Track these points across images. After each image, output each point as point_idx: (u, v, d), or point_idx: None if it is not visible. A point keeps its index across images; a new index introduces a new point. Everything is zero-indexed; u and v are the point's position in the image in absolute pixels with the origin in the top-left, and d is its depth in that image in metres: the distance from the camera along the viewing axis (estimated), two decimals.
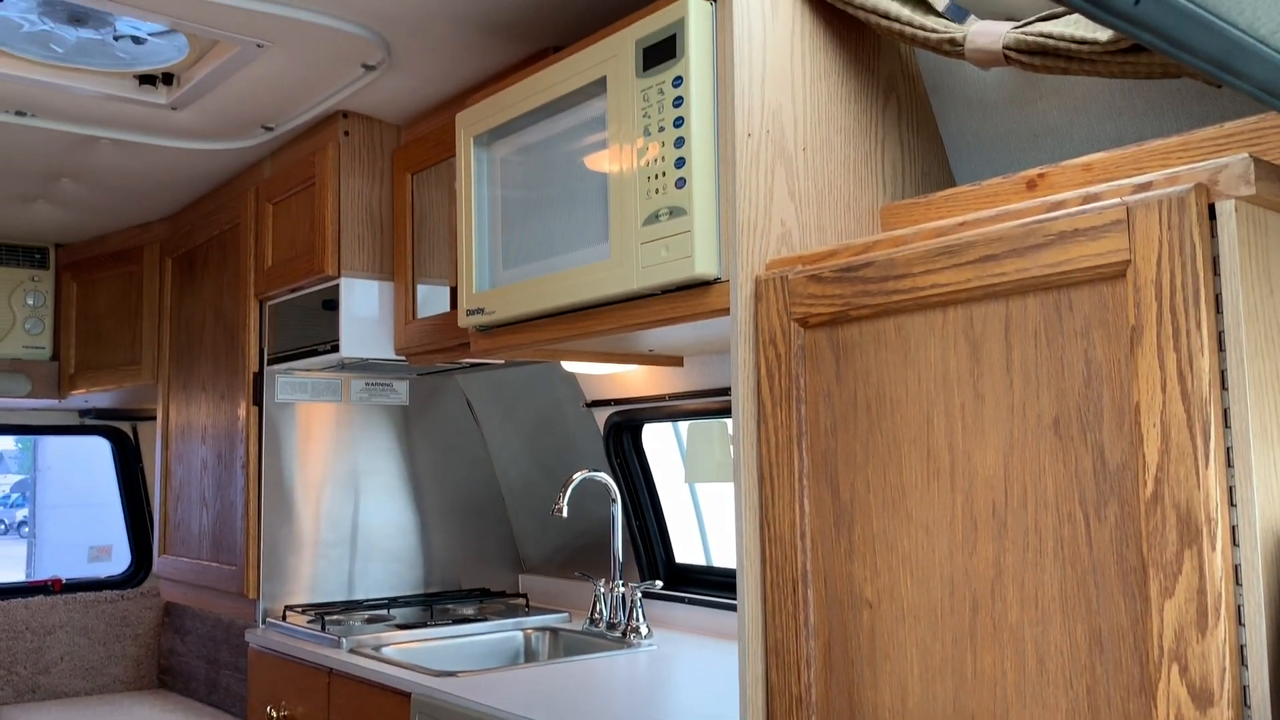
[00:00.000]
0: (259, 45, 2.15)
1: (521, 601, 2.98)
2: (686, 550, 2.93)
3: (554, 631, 2.69)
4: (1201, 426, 0.97)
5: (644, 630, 2.48)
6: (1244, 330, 0.97)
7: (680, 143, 1.51)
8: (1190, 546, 0.97)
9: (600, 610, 2.61)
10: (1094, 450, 1.07)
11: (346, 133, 2.58)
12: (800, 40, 1.55)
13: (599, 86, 1.69)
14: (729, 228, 1.47)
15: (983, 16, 1.50)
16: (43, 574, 4.33)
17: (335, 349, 2.54)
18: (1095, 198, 1.09)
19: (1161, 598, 0.99)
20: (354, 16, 2.05)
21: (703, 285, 1.54)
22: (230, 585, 2.90)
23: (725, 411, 2.44)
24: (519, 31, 2.12)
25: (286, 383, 2.86)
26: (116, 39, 2.27)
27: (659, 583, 2.54)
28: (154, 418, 4.03)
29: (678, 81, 1.52)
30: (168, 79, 2.44)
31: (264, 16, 2.01)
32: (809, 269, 1.36)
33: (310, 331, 2.66)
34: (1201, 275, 0.99)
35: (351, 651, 2.41)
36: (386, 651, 2.42)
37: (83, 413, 4.25)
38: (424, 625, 2.62)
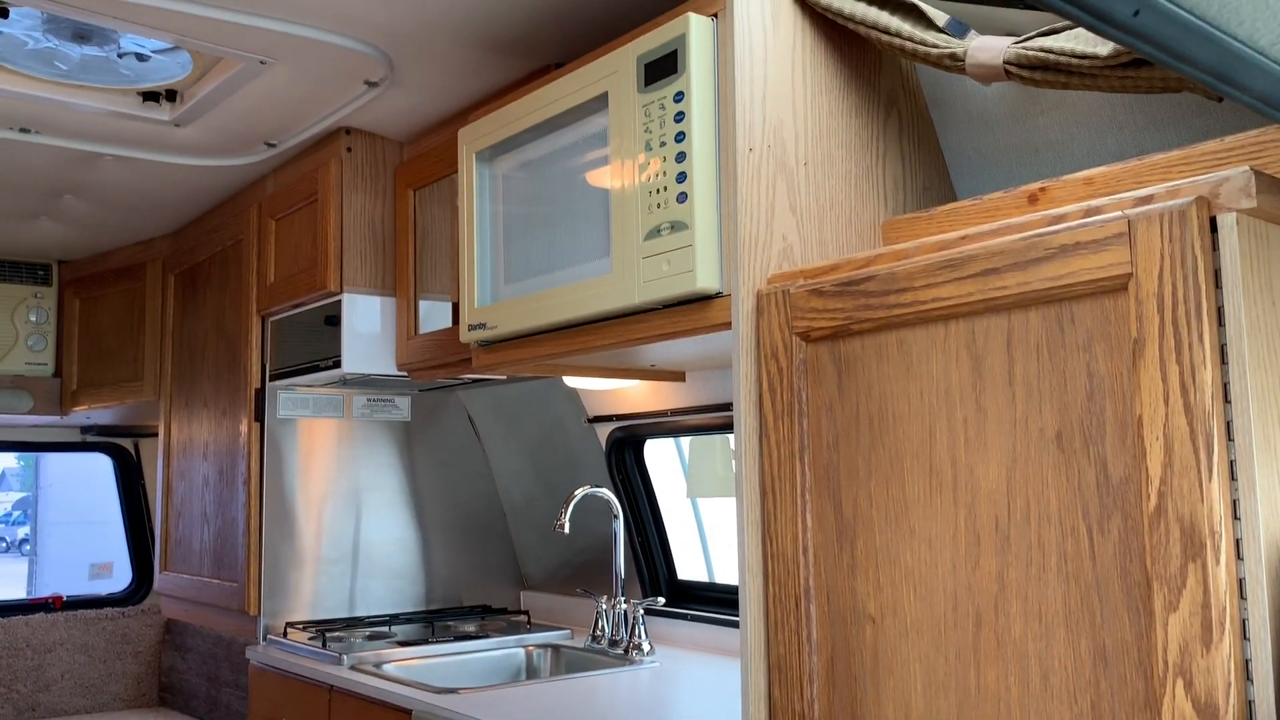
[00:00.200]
0: (262, 62, 2.16)
1: (523, 618, 2.97)
2: (689, 566, 2.92)
3: (556, 648, 2.68)
4: (1204, 439, 0.97)
5: (646, 647, 2.47)
6: (1246, 342, 0.97)
7: (681, 157, 1.52)
8: (1194, 560, 0.97)
9: (602, 627, 2.60)
10: (1097, 464, 1.06)
11: (349, 149, 2.59)
12: (801, 55, 1.55)
13: (600, 102, 1.69)
14: (730, 242, 1.47)
15: (983, 32, 1.50)
16: (44, 591, 4.33)
17: (337, 365, 2.54)
18: (1096, 211, 1.09)
19: (1165, 612, 0.98)
20: (357, 33, 2.06)
21: (704, 299, 1.54)
22: (231, 602, 2.89)
23: (727, 427, 2.44)
24: (521, 49, 2.13)
25: (288, 399, 2.86)
26: (120, 56, 2.29)
27: (661, 599, 2.53)
28: (156, 434, 4.03)
29: (679, 97, 1.52)
30: (171, 96, 2.45)
31: (267, 33, 2.02)
32: (810, 283, 1.36)
33: (312, 347, 2.66)
34: (1203, 288, 0.98)
35: (353, 668, 2.40)
36: (387, 668, 2.41)
37: (84, 429, 4.25)
38: (425, 642, 2.61)
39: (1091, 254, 1.06)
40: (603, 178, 1.70)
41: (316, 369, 2.63)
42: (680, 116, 1.52)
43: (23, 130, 2.57)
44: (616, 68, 1.64)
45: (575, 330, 1.78)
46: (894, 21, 1.51)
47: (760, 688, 1.38)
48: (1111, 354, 1.06)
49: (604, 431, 2.73)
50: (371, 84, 2.29)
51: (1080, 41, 1.36)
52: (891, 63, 1.69)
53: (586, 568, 2.95)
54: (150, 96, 2.44)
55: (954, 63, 1.47)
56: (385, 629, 2.76)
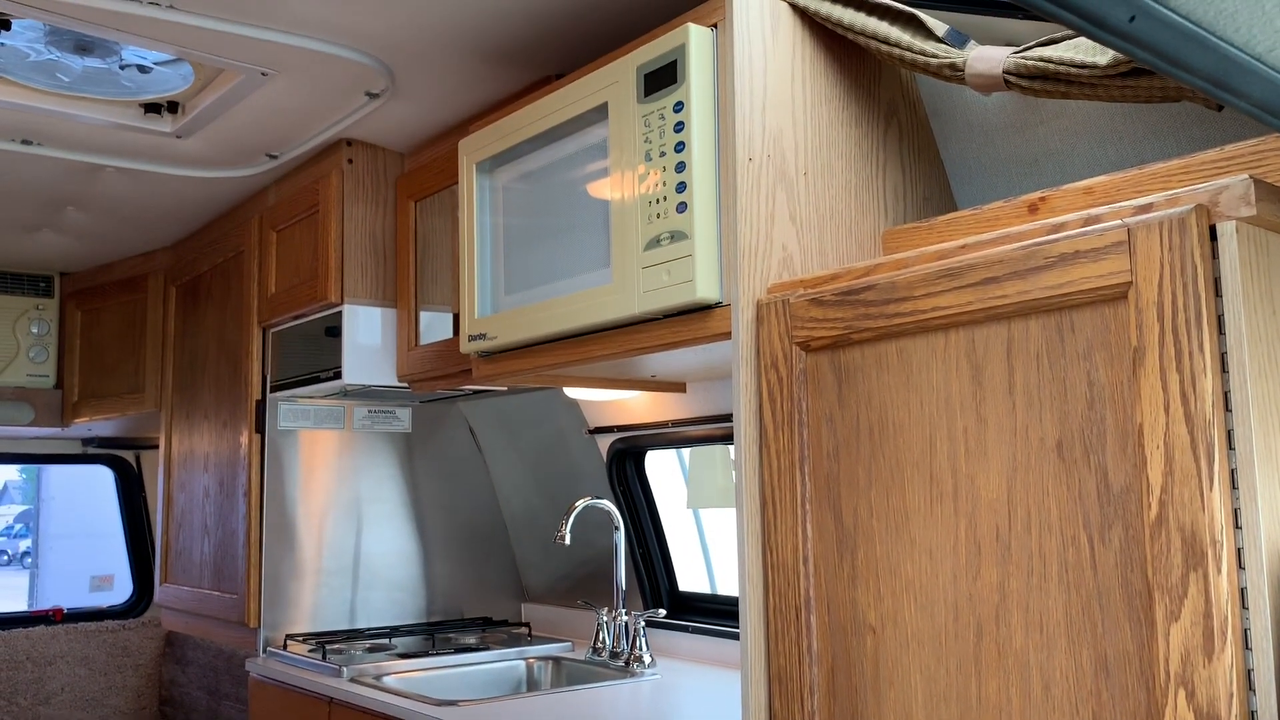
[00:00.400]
0: (263, 73, 2.16)
1: (524, 630, 2.96)
2: (692, 577, 2.91)
3: (556, 661, 2.67)
4: (1205, 448, 0.96)
5: (647, 659, 2.46)
6: (1247, 351, 0.97)
7: (681, 167, 1.52)
8: (1195, 569, 0.96)
9: (603, 639, 2.59)
10: (1097, 473, 1.06)
11: (350, 160, 2.59)
12: (801, 66, 1.56)
13: (600, 112, 1.70)
14: (730, 252, 1.47)
15: (983, 42, 1.50)
16: (45, 604, 4.32)
17: (338, 376, 2.54)
18: (1096, 220, 1.09)
19: (1167, 622, 0.98)
20: (358, 45, 2.07)
21: (704, 309, 1.54)
22: (231, 614, 2.88)
23: (728, 438, 2.43)
24: (521, 60, 2.13)
25: (289, 410, 2.86)
26: (123, 68, 2.29)
27: (662, 611, 2.52)
28: (157, 446, 4.03)
29: (679, 107, 1.53)
30: (173, 107, 2.46)
31: (268, 45, 2.03)
32: (810, 293, 1.36)
33: (313, 359, 2.66)
34: (1203, 296, 0.98)
35: (352, 681, 2.39)
36: (387, 681, 2.40)
37: (85, 441, 4.25)
38: (426, 654, 2.60)
39: (1091, 262, 1.06)
40: (603, 188, 1.70)
41: (317, 380, 2.63)
42: (680, 126, 1.52)
43: (25, 142, 2.58)
44: (616, 78, 1.65)
45: (575, 340, 1.78)
46: (893, 31, 1.51)
47: (761, 699, 1.38)
48: (1112, 363, 1.05)
49: (605, 443, 2.73)
50: (372, 95, 2.29)
51: (1079, 51, 1.36)
52: (891, 73, 1.69)
53: (588, 580, 2.94)
54: (152, 108, 2.45)
55: (953, 73, 1.47)
56: (386, 641, 2.75)
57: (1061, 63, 1.36)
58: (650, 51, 1.59)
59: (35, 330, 3.78)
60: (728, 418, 2.32)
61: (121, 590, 4.49)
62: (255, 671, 2.75)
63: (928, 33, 1.50)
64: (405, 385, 2.59)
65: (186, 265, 3.37)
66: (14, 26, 2.06)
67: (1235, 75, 0.67)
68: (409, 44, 2.06)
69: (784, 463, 1.37)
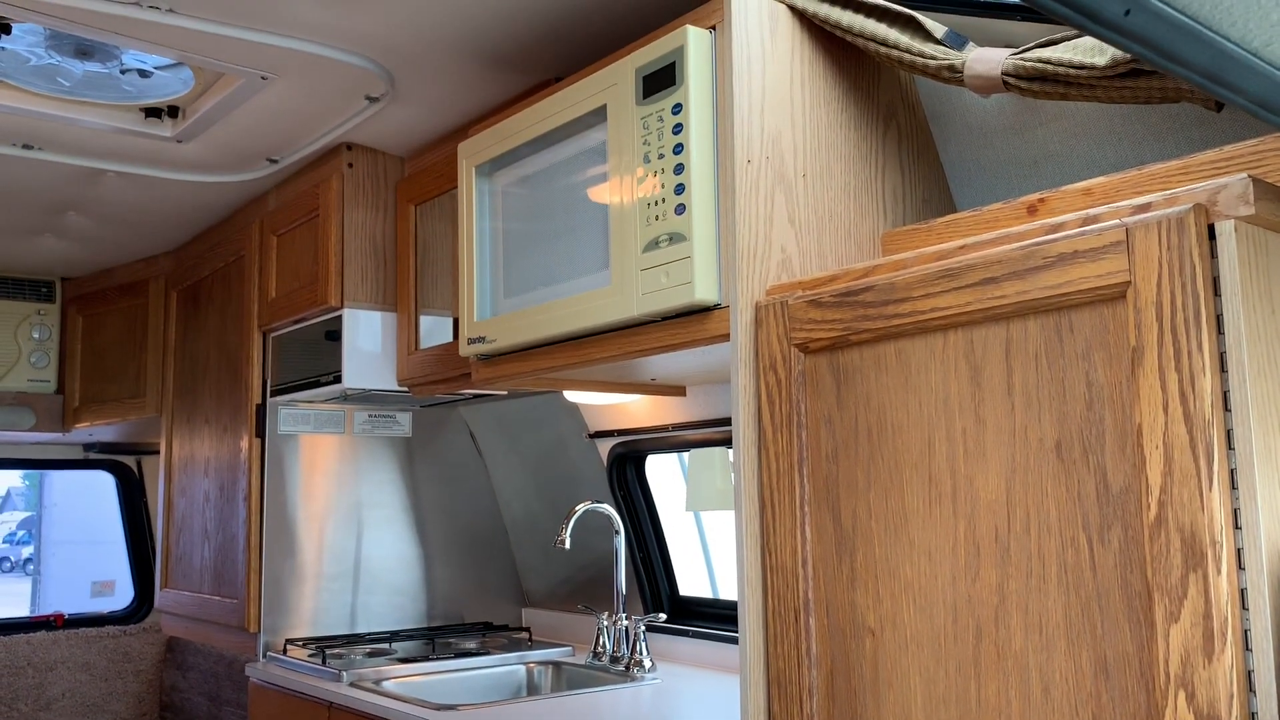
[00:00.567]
0: (263, 78, 2.17)
1: (524, 635, 2.95)
2: (694, 581, 2.90)
3: (557, 665, 2.66)
4: (1204, 448, 0.96)
5: (647, 664, 2.46)
6: (1246, 350, 0.96)
7: (680, 169, 1.52)
8: (1195, 570, 0.96)
9: (603, 643, 2.58)
10: (1096, 473, 1.05)
11: (350, 164, 2.59)
12: (800, 67, 1.55)
13: (599, 115, 1.69)
14: (729, 254, 1.47)
15: (981, 44, 1.50)
16: (47, 610, 4.31)
17: (338, 380, 2.54)
18: (1094, 219, 1.09)
19: (1167, 623, 0.97)
20: (357, 49, 2.07)
21: (703, 311, 1.54)
22: (231, 619, 2.88)
23: (728, 441, 2.43)
24: (520, 63, 2.13)
25: (289, 414, 2.86)
26: (123, 72, 2.29)
27: (662, 615, 2.51)
28: (158, 452, 4.03)
29: (677, 109, 1.53)
30: (173, 112, 2.46)
31: (268, 49, 2.03)
32: (809, 294, 1.35)
33: (313, 363, 2.66)
34: (1202, 296, 0.98)
35: (352, 685, 2.38)
36: (387, 685, 2.39)
37: (87, 447, 4.25)
38: (426, 659, 2.59)
39: (1090, 262, 1.06)
40: (602, 191, 1.70)
41: (317, 384, 2.63)
42: (679, 128, 1.52)
43: (26, 146, 2.58)
44: (615, 80, 1.65)
45: (574, 343, 1.78)
46: (892, 34, 1.51)
47: (760, 702, 1.37)
48: (1110, 363, 1.05)
49: (605, 447, 2.73)
50: (372, 99, 2.30)
51: (1078, 52, 1.36)
52: (890, 75, 1.69)
53: (588, 584, 2.94)
54: (152, 113, 2.45)
55: (952, 74, 1.47)
56: (386, 646, 2.75)
57: (1060, 64, 1.36)
58: (649, 54, 1.59)
59: (36, 335, 3.78)
60: (728, 421, 2.32)
61: (123, 596, 4.49)
62: (255, 676, 2.74)
63: (926, 34, 1.50)
64: (405, 389, 2.59)
65: (188, 270, 3.37)
66: (14, 31, 2.07)
67: (1231, 70, 0.67)
68: (409, 48, 2.07)
69: (783, 465, 1.37)
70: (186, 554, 3.24)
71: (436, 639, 2.80)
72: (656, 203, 1.56)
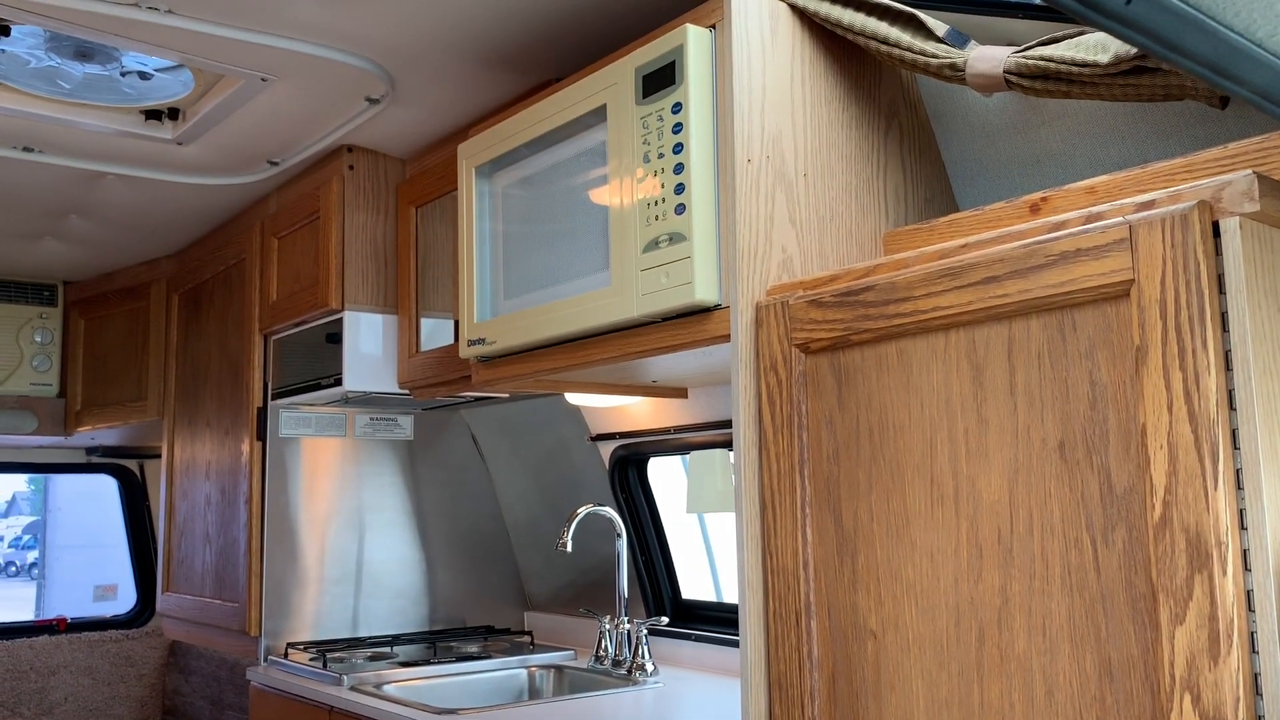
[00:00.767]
0: (263, 79, 2.16)
1: (526, 639, 2.94)
2: (698, 584, 2.89)
3: (559, 669, 2.65)
4: (1210, 447, 0.95)
5: (649, 667, 2.44)
6: (1251, 348, 0.95)
7: (680, 169, 1.51)
8: (1200, 571, 0.94)
9: (605, 647, 2.57)
10: (1100, 473, 1.04)
11: (351, 166, 2.58)
12: (800, 66, 1.55)
13: (599, 115, 1.69)
14: (729, 254, 1.46)
15: (983, 42, 1.49)
16: (51, 615, 4.31)
17: (338, 383, 2.53)
18: (1097, 217, 1.08)
19: (1172, 625, 0.96)
20: (357, 50, 2.06)
21: (703, 312, 1.53)
22: (232, 622, 2.87)
23: (729, 443, 2.41)
24: (520, 64, 2.12)
25: (290, 417, 2.85)
26: (123, 75, 2.29)
27: (665, 619, 2.50)
28: (160, 455, 4.02)
29: (677, 108, 1.52)
30: (174, 114, 2.45)
31: (268, 50, 2.03)
32: (810, 294, 1.34)
33: (314, 365, 2.65)
34: (1206, 293, 0.97)
35: (353, 689, 2.37)
36: (388, 689, 2.38)
37: (89, 450, 4.24)
38: (427, 663, 2.58)
39: (1093, 260, 1.05)
40: (602, 191, 1.69)
41: (318, 387, 2.62)
42: (678, 128, 1.51)
43: (26, 149, 2.58)
44: (615, 80, 1.64)
45: (574, 344, 1.77)
46: (893, 32, 1.50)
47: (761, 706, 1.36)
48: (1114, 362, 1.04)
49: (607, 450, 2.72)
50: (372, 100, 2.29)
51: (1081, 50, 1.34)
52: (892, 74, 1.68)
53: (591, 588, 2.93)
54: (153, 115, 2.45)
55: (954, 73, 1.45)
56: (387, 649, 2.74)
57: (1063, 61, 1.35)
58: (648, 53, 1.58)
59: (39, 339, 3.77)
60: (729, 423, 2.31)
61: (125, 600, 4.48)
62: (256, 680, 2.73)
63: (928, 33, 1.49)
64: (406, 392, 2.58)
65: (189, 273, 3.37)
66: (14, 33, 2.06)
67: (1235, 61, 0.66)
68: (408, 49, 2.06)
69: (783, 466, 1.35)
70: (188, 558, 3.23)
71: (438, 643, 2.79)
72: (656, 203, 1.55)
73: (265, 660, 2.76)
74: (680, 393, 2.34)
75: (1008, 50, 1.42)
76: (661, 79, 1.55)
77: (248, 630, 2.78)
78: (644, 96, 1.58)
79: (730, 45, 1.47)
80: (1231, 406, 0.96)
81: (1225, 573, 0.93)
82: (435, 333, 2.51)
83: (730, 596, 3.00)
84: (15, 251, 3.47)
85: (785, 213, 1.49)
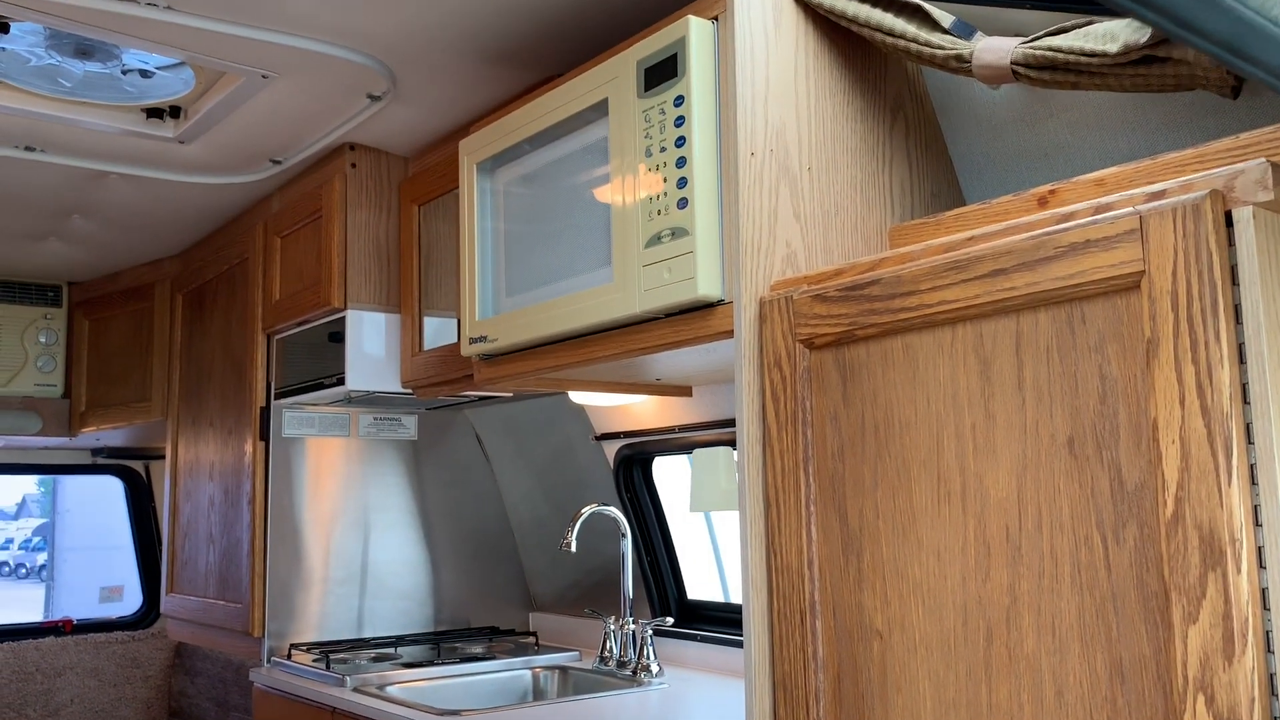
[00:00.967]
0: (264, 76, 2.15)
1: (531, 640, 2.92)
2: (705, 585, 2.87)
3: (563, 670, 2.63)
4: (1223, 442, 0.92)
5: (655, 668, 2.42)
6: (1265, 340, 0.93)
7: (682, 162, 1.49)
8: (1214, 569, 0.92)
9: (610, 648, 2.55)
10: (1110, 469, 1.02)
11: (354, 165, 2.57)
12: (804, 58, 1.52)
13: (600, 109, 1.67)
14: (732, 248, 1.44)
15: (990, 33, 1.47)
16: (59, 617, 4.30)
17: (341, 382, 2.52)
18: (1107, 208, 1.06)
19: (1185, 624, 0.94)
20: (358, 46, 2.05)
21: (706, 307, 1.51)
22: (236, 623, 2.86)
23: (734, 442, 2.39)
24: (522, 60, 2.11)
25: (293, 417, 2.84)
26: (124, 73, 2.28)
27: (670, 619, 2.48)
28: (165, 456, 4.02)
29: (679, 101, 1.50)
30: (175, 112, 2.44)
31: (268, 47, 2.01)
32: (814, 289, 1.32)
33: (317, 365, 2.64)
34: (1219, 284, 0.94)
35: (356, 690, 2.36)
36: (391, 690, 2.37)
37: (95, 452, 4.24)
38: (431, 664, 2.56)
39: (1102, 251, 1.03)
40: (604, 186, 1.67)
41: (321, 386, 2.60)
42: (680, 121, 1.49)
43: (28, 149, 2.57)
44: (616, 73, 1.62)
45: (576, 342, 1.75)
46: (898, 23, 1.47)
47: (765, 707, 1.34)
48: (1124, 355, 1.02)
49: (612, 449, 2.70)
50: (374, 98, 2.27)
51: (1089, 39, 1.32)
52: (897, 67, 1.66)
53: (596, 589, 2.91)
54: (154, 113, 2.44)
55: (960, 64, 1.43)
56: (391, 650, 2.72)
57: (1071, 52, 1.33)
58: (650, 45, 1.56)
59: (43, 340, 3.77)
60: (735, 421, 2.29)
61: (131, 601, 4.48)
62: (259, 681, 2.72)
63: (933, 24, 1.46)
64: (409, 392, 2.56)
65: (193, 273, 3.36)
66: (14, 30, 2.05)
67: (1250, 40, 0.63)
68: (409, 45, 2.04)
69: (788, 463, 1.33)
70: (192, 558, 3.22)
71: (442, 644, 2.77)
72: (658, 197, 1.53)
73: (268, 661, 2.75)
74: (685, 391, 2.32)
75: (1015, 41, 1.39)
76: (663, 72, 1.53)
77: (250, 631, 2.77)
78: (645, 90, 1.56)
79: (733, 37, 1.45)
80: (1245, 400, 0.93)
81: (1240, 570, 0.91)
82: (438, 332, 2.49)
83: (737, 597, 2.98)
84: (20, 252, 3.46)
85: (789, 207, 1.47)
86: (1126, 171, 1.26)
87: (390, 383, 2.56)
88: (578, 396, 2.35)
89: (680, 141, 1.49)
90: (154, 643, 4.24)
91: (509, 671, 2.60)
